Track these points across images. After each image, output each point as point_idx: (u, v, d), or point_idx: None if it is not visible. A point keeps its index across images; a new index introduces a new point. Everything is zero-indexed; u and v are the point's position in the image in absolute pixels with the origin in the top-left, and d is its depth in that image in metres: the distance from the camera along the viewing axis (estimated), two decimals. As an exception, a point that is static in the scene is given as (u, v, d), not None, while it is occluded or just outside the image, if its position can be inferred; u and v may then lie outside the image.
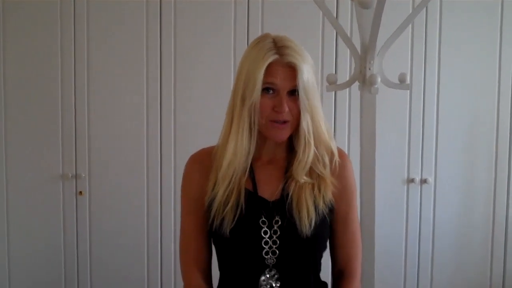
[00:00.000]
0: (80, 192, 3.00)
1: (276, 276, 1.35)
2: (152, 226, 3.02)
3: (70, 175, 2.98)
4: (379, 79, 1.83)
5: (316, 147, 1.36)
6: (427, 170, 2.98)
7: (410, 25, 2.61)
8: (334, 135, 2.90)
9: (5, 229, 3.03)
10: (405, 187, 2.99)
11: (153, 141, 2.98)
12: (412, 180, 2.97)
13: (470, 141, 3.00)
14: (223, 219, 1.33)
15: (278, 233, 1.34)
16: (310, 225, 1.32)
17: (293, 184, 1.36)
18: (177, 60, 2.94)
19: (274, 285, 1.34)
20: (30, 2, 2.93)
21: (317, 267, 1.43)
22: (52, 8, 2.92)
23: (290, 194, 1.35)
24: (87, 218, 3.02)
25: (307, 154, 1.34)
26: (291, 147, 1.39)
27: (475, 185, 3.02)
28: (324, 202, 1.36)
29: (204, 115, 2.94)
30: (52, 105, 2.97)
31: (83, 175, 2.99)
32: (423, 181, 2.98)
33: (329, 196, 1.37)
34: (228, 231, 1.32)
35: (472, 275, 3.06)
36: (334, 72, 2.88)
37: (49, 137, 2.99)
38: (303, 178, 1.35)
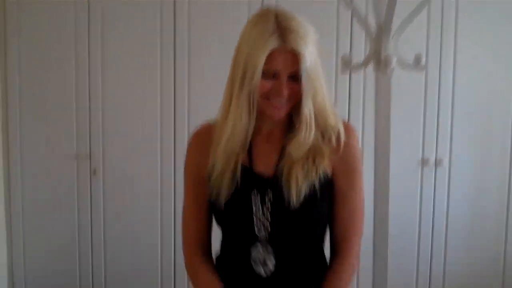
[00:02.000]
0: (94, 171, 3.03)
1: (271, 251, 1.35)
2: (166, 205, 3.05)
3: (84, 154, 3.01)
4: (394, 60, 1.81)
5: (319, 124, 1.34)
6: (442, 151, 2.96)
7: (426, 7, 2.57)
8: (348, 117, 2.88)
9: (20, 211, 3.10)
10: (420, 168, 2.97)
11: (167, 119, 3.00)
12: (427, 161, 2.96)
13: (486, 123, 2.97)
14: (219, 193, 1.35)
15: (270, 209, 1.34)
16: (299, 196, 1.30)
17: (288, 160, 1.34)
18: (191, 53, 2.96)
19: (268, 259, 1.35)
20: (45, 3, 2.98)
21: (316, 242, 1.42)
22: (67, 9, 2.98)
23: (283, 169, 1.33)
24: (101, 196, 3.07)
25: (307, 138, 1.32)
26: (290, 120, 1.36)
27: (490, 167, 3.00)
28: (316, 174, 1.33)
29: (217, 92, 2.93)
30: (66, 86, 3.01)
31: (97, 154, 3.02)
32: (438, 162, 2.96)
33: (323, 168, 1.34)
34: (223, 204, 1.34)
35: (485, 257, 3.05)
36: (348, 54, 2.85)
37: (63, 117, 3.03)
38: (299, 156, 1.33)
